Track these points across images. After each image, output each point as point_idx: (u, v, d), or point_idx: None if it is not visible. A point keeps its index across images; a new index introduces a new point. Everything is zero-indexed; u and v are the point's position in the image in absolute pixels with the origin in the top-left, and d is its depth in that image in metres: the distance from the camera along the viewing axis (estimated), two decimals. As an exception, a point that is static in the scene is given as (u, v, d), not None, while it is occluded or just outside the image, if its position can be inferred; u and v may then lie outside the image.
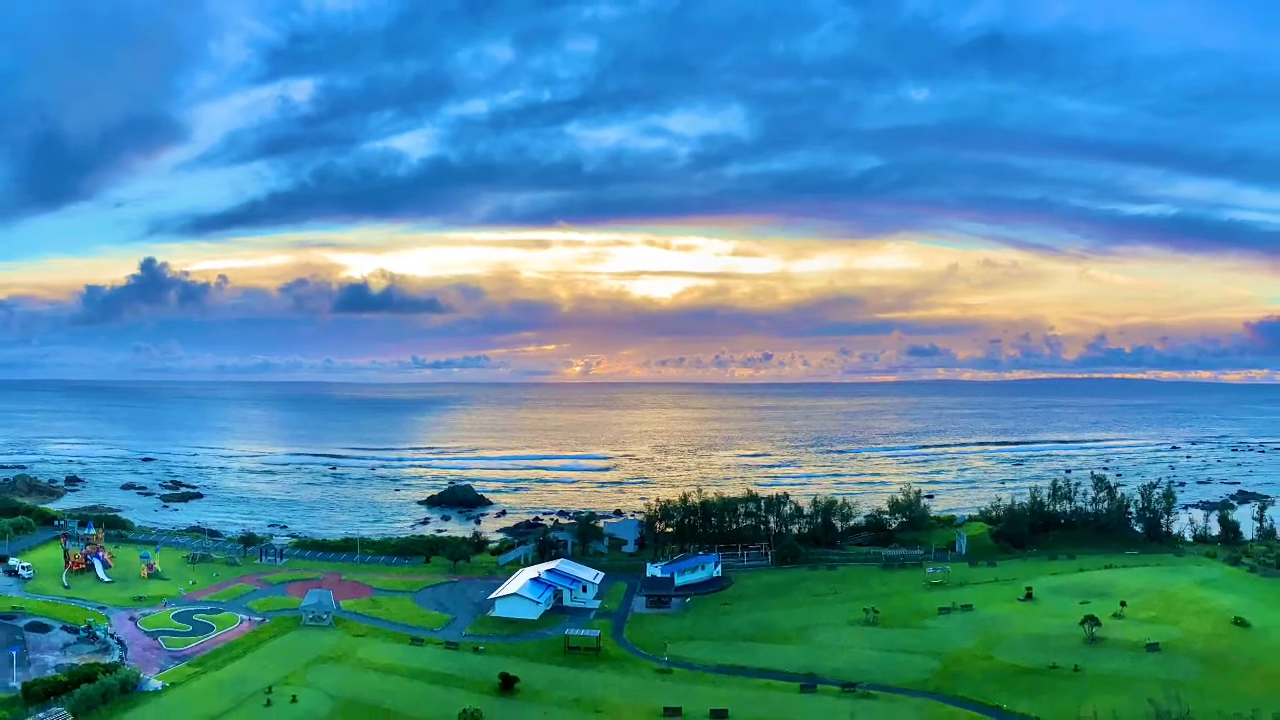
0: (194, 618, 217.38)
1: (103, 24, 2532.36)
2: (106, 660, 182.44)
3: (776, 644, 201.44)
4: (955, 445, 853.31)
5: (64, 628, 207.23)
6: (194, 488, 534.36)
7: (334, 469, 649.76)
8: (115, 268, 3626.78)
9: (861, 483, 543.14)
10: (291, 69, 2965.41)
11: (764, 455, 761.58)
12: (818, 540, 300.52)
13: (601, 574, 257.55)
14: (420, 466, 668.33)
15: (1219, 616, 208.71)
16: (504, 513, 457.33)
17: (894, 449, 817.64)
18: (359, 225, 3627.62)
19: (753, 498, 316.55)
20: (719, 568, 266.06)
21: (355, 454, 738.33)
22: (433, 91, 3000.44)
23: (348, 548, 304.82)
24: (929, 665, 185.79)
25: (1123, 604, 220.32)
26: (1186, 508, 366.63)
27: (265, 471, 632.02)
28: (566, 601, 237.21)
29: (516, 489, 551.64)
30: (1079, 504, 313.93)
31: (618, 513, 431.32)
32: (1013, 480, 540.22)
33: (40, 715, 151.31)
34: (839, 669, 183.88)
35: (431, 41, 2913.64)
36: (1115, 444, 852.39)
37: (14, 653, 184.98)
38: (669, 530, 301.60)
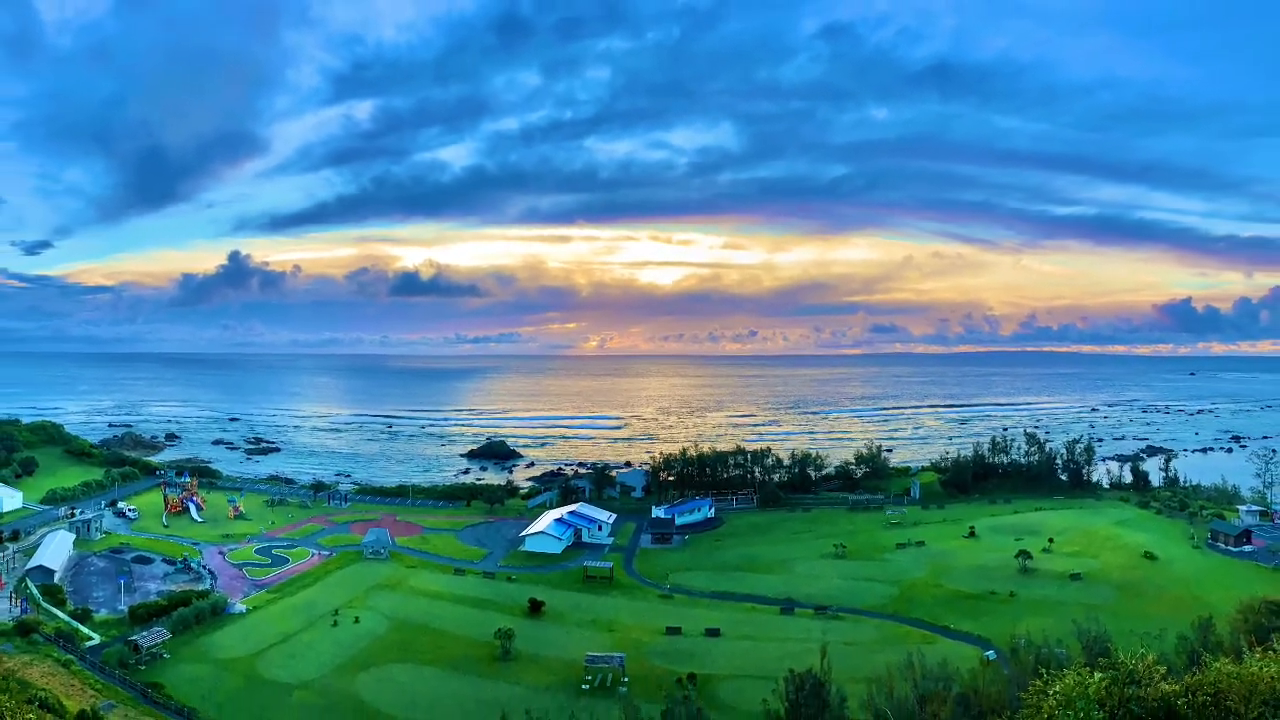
0: (272, 552, 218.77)
1: (198, 55, 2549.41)
2: (199, 588, 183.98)
3: (760, 574, 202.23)
4: (910, 407, 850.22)
5: (164, 560, 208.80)
6: (272, 443, 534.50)
7: (390, 427, 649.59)
8: (206, 259, 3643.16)
9: (832, 439, 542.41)
10: (355, 92, 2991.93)
11: (750, 416, 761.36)
12: (795, 487, 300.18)
13: (614, 515, 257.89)
14: (462, 425, 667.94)
15: (1131, 551, 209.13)
16: (532, 464, 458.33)
17: (859, 410, 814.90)
18: (411, 223, 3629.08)
19: (740, 451, 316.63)
20: (713, 510, 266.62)
21: (408, 415, 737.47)
22: (473, 111, 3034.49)
23: (401, 493, 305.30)
24: (888, 592, 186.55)
25: (1050, 540, 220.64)
26: (1104, 460, 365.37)
27: (332, 430, 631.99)
28: (585, 538, 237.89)
29: (543, 444, 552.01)
30: (1014, 456, 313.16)
31: (627, 464, 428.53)
32: (958, 437, 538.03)
33: (144, 633, 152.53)
34: (813, 595, 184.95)
35: (472, 69, 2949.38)
36: (1044, 406, 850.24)
37: (122, 581, 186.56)
38: (670, 479, 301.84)
